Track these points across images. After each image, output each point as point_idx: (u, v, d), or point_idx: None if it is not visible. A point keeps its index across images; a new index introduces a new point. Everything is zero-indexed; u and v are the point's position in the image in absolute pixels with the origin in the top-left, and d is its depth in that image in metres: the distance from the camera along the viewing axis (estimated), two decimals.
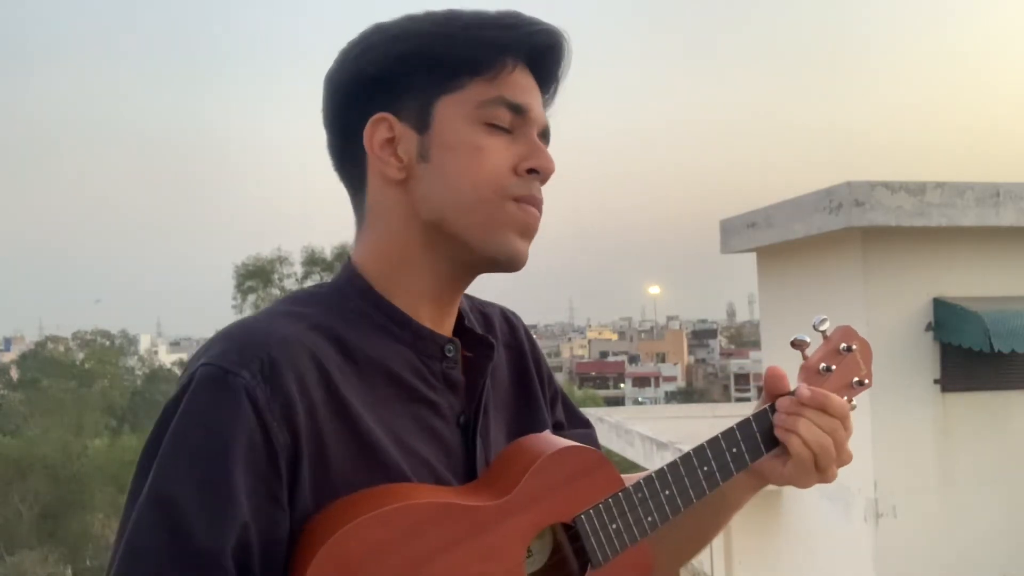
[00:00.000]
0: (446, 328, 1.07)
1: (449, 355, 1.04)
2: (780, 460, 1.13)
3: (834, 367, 1.17)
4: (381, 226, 1.03)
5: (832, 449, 1.11)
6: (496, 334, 1.15)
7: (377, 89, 1.01)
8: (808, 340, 1.15)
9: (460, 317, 1.10)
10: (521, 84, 1.02)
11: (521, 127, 1.02)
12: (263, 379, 0.89)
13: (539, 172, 1.02)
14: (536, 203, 1.03)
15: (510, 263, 1.03)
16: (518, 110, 1.01)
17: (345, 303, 1.01)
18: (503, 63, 1.00)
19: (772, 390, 1.15)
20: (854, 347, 1.19)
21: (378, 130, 1.01)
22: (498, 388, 1.13)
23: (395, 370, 0.99)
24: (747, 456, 1.12)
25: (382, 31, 1.03)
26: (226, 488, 0.86)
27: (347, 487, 0.92)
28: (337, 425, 0.93)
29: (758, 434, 1.13)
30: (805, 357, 1.18)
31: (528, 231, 1.03)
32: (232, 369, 0.89)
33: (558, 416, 1.22)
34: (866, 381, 1.20)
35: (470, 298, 1.15)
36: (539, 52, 1.03)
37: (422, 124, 1.00)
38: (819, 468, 1.11)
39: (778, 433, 1.12)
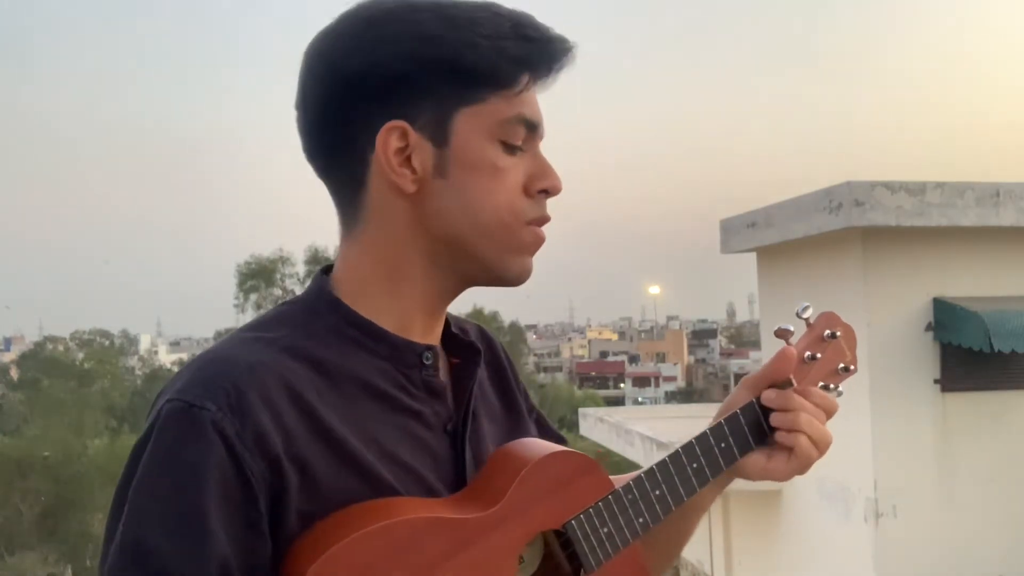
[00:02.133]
0: (434, 337, 1.05)
1: (427, 363, 1.01)
2: (763, 454, 1.13)
3: (819, 355, 1.16)
4: (381, 234, 1.00)
5: (824, 443, 1.12)
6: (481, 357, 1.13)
7: (392, 89, 0.96)
8: (792, 329, 1.14)
9: (446, 324, 1.08)
10: (534, 99, 1.00)
11: (530, 142, 1.01)
12: (230, 410, 0.87)
13: (549, 192, 1.02)
14: (546, 222, 1.04)
15: (517, 282, 1.04)
16: (533, 128, 1.00)
17: (315, 320, 0.99)
18: (523, 79, 0.98)
19: (773, 373, 1.13)
20: (838, 333, 1.19)
21: (391, 138, 0.96)
22: (486, 400, 1.12)
23: (374, 383, 0.97)
24: (736, 451, 1.11)
25: (393, 22, 0.96)
26: (200, 524, 0.84)
27: (338, 506, 0.90)
28: (319, 446, 0.91)
29: (746, 428, 1.12)
30: (790, 345, 1.16)
31: (535, 250, 1.04)
32: (196, 403, 0.87)
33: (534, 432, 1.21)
34: (852, 367, 1.20)
35: (448, 314, 1.14)
36: (554, 68, 1.01)
37: (440, 137, 0.96)
38: (807, 462, 1.12)
39: (780, 437, 1.11)
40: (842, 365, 1.19)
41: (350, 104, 0.97)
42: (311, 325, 0.98)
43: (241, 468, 0.86)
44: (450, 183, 0.97)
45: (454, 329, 1.09)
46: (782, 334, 1.13)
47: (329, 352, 0.96)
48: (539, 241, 1.03)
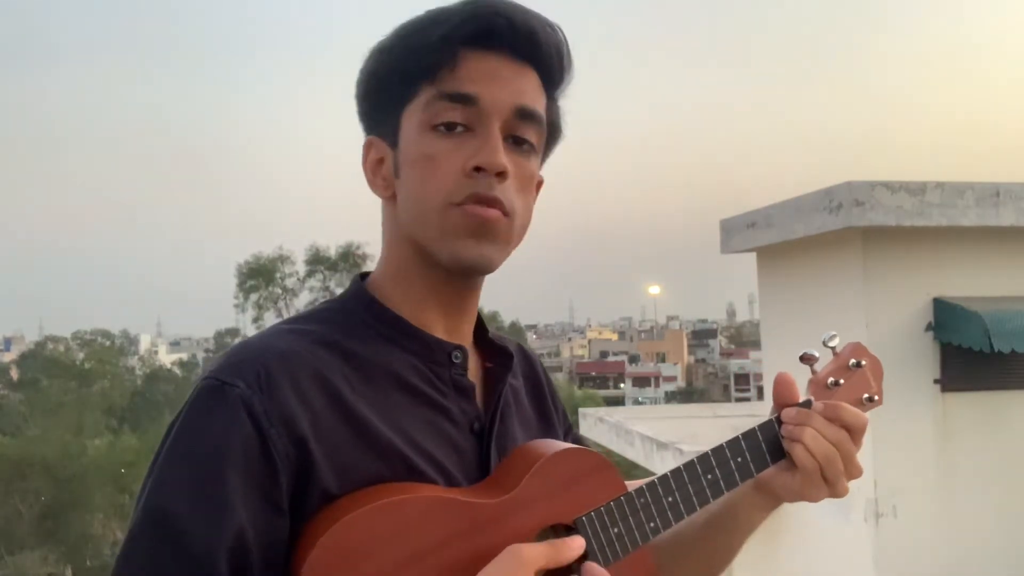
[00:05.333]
0: (462, 336, 1.07)
1: (456, 361, 1.04)
2: (790, 473, 1.11)
3: (842, 381, 1.16)
4: (385, 238, 1.07)
5: (838, 461, 1.09)
6: (514, 364, 1.14)
7: (366, 105, 1.06)
8: (817, 355, 1.14)
9: (484, 330, 1.11)
10: (472, 73, 0.97)
11: (478, 119, 0.98)
12: (259, 389, 0.91)
13: (484, 169, 0.97)
14: (483, 200, 0.97)
15: (469, 269, 1.01)
16: (465, 100, 0.97)
17: (350, 317, 1.03)
18: (442, 58, 0.97)
19: (779, 399, 1.14)
20: (864, 363, 1.18)
21: (369, 153, 1.05)
22: (520, 408, 1.14)
23: (404, 376, 1.00)
24: (752, 466, 1.11)
25: (375, 48, 1.06)
26: (220, 493, 0.87)
27: (361, 488, 0.93)
28: (345, 430, 0.94)
29: (763, 444, 1.12)
30: (814, 372, 1.17)
31: (481, 231, 0.98)
32: (228, 380, 0.91)
33: None
34: (876, 398, 1.19)
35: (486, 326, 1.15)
36: (485, 33, 0.98)
37: (393, 140, 1.03)
38: (827, 480, 1.10)
39: (784, 444, 1.11)
40: (867, 395, 1.19)
41: (361, 120, 1.08)
42: (346, 321, 1.03)
43: (266, 444, 0.89)
44: (402, 181, 1.02)
45: (491, 336, 1.12)
46: (808, 359, 1.14)
47: (361, 346, 1.00)
48: (476, 220, 0.97)
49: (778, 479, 1.12)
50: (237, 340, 1.15)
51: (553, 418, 1.20)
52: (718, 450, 1.10)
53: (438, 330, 1.05)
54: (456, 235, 0.98)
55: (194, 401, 0.92)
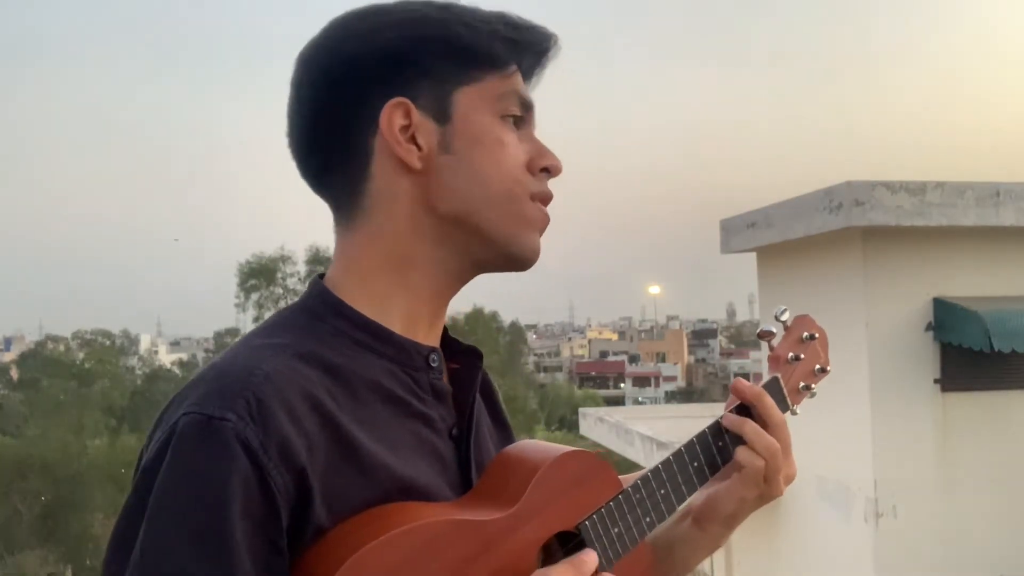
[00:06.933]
0: (434, 337, 1.03)
1: (434, 365, 1.00)
2: (733, 476, 1.11)
3: (802, 356, 1.21)
4: (388, 221, 0.98)
5: (779, 455, 1.09)
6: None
7: (391, 70, 0.96)
8: (774, 331, 1.19)
9: (443, 329, 1.06)
10: (523, 84, 1.02)
11: (526, 125, 1.02)
12: (252, 420, 0.82)
13: (550, 171, 1.02)
14: (550, 201, 1.03)
15: (528, 260, 1.03)
16: (527, 107, 1.01)
17: (319, 324, 0.96)
18: (514, 62, 1.00)
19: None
20: (816, 335, 1.23)
21: (396, 115, 0.95)
22: (483, 414, 1.11)
23: (386, 386, 0.95)
24: (730, 447, 1.12)
25: (389, 12, 0.98)
26: (227, 548, 0.80)
27: (357, 513, 0.88)
28: (340, 456, 0.88)
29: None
30: (771, 347, 1.22)
31: (544, 229, 1.03)
32: (217, 414, 0.82)
33: None
34: (828, 368, 1.25)
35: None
36: (539, 59, 1.04)
37: (442, 114, 0.96)
38: (766, 478, 1.09)
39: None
40: (818, 366, 1.24)
41: (349, 88, 0.96)
42: (316, 329, 0.95)
43: (265, 482, 0.82)
44: (456, 157, 0.97)
45: (451, 334, 1.07)
46: (765, 335, 1.20)
47: (339, 356, 0.93)
48: (544, 219, 1.02)
49: (721, 486, 1.12)
50: (237, 340, 1.03)
51: (506, 421, 1.17)
52: (701, 436, 1.12)
53: (421, 329, 1.01)
54: (531, 227, 1.01)
55: (180, 439, 0.82)
